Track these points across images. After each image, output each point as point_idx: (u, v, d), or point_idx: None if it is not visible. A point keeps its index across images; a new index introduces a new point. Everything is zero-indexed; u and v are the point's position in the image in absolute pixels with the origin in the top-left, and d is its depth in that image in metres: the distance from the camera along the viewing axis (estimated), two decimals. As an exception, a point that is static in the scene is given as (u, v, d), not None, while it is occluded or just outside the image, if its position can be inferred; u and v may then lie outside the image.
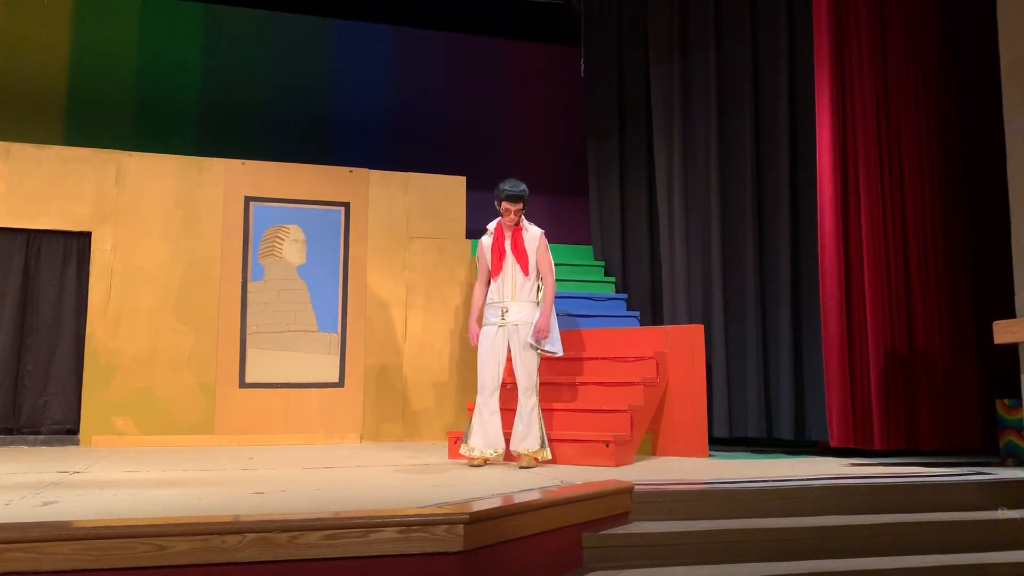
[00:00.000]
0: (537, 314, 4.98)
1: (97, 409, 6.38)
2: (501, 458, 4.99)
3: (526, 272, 5.02)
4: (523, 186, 5.06)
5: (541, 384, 5.04)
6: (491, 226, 5.18)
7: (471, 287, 6.46)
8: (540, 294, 5.07)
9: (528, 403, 4.91)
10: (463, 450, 4.98)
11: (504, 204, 5.03)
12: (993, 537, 3.76)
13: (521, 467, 4.80)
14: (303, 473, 4.49)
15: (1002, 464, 4.83)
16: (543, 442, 4.88)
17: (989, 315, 4.81)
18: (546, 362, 5.25)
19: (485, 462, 4.95)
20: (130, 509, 3.14)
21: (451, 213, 7.40)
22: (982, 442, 5.24)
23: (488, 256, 5.11)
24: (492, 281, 5.10)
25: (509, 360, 5.02)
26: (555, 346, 5.02)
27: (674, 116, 6.72)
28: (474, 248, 6.82)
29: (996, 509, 3.91)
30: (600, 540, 3.40)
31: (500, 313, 5.02)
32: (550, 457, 4.92)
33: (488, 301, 5.10)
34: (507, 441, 5.00)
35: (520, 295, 5.00)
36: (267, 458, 5.35)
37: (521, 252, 5.02)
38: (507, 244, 5.05)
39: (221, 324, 6.72)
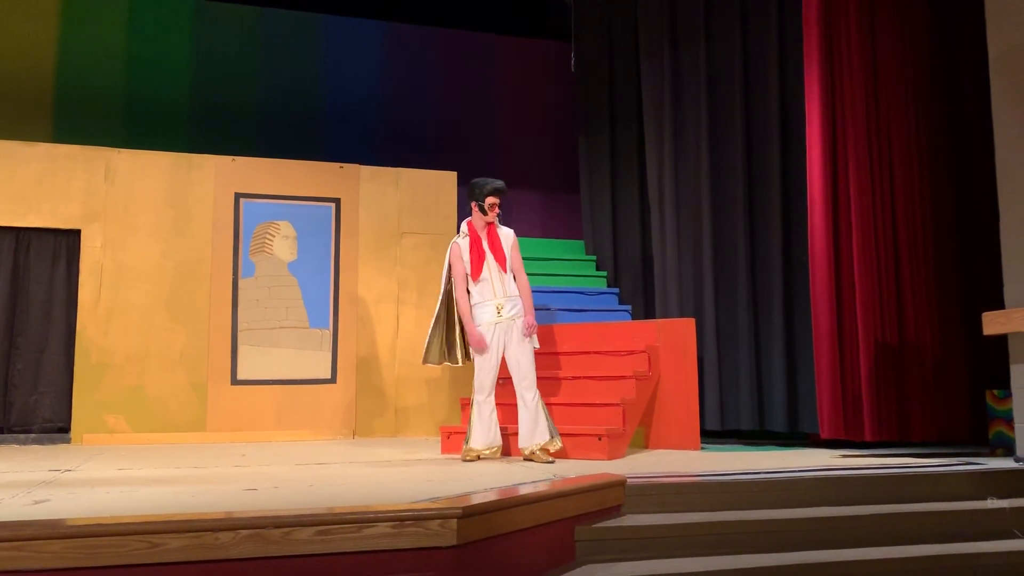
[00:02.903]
0: (522, 310, 5.02)
1: (88, 407, 6.36)
2: (499, 453, 5.04)
3: (505, 269, 5.05)
4: (501, 181, 5.15)
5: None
6: (464, 228, 5.16)
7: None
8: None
9: (533, 397, 4.90)
10: (465, 451, 4.98)
11: (489, 199, 5.05)
12: (983, 527, 3.79)
13: (541, 462, 4.73)
14: (295, 469, 4.49)
15: (992, 454, 4.86)
16: (552, 432, 4.87)
17: (978, 307, 4.84)
18: (539, 356, 5.24)
19: (478, 457, 4.96)
20: (122, 507, 3.13)
21: (442, 209, 7.38)
22: (972, 433, 5.28)
23: (467, 257, 5.06)
24: (473, 282, 5.06)
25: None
26: (536, 340, 5.10)
27: (665, 111, 6.73)
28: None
29: (986, 499, 3.94)
30: (593, 533, 3.41)
31: (496, 311, 5.00)
32: (561, 446, 4.87)
33: (476, 301, 5.04)
34: (504, 436, 5.06)
35: (509, 291, 5.03)
36: (259, 455, 5.34)
37: (500, 250, 5.05)
38: (485, 244, 5.06)
39: (212, 321, 6.70)
